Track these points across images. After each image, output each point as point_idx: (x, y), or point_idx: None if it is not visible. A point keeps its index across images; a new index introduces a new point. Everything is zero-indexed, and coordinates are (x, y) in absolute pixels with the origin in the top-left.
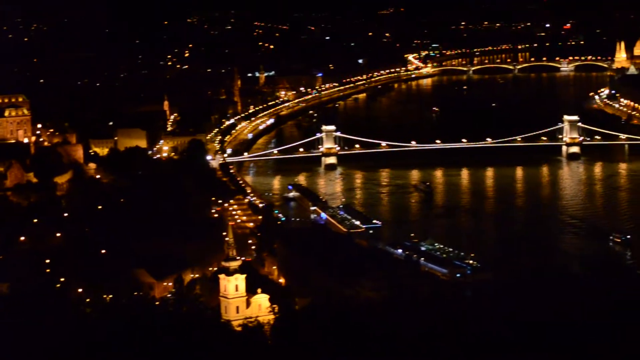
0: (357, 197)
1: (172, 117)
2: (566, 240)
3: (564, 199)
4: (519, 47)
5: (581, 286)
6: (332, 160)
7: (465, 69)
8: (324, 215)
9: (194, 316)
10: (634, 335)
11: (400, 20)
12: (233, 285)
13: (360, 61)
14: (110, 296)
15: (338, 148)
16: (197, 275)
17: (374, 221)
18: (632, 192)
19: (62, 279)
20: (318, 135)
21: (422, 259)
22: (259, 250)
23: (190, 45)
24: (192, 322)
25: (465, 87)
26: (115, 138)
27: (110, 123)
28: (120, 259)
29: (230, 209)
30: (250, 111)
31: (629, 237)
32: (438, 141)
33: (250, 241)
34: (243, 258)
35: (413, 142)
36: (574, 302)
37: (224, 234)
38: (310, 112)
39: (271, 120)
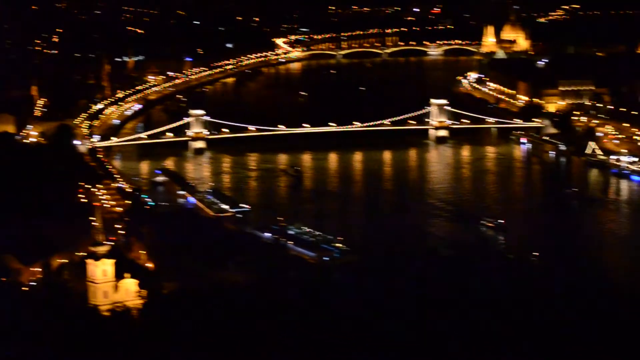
0: (226, 182)
1: (40, 102)
2: (435, 224)
3: (432, 182)
4: (388, 31)
5: (450, 269)
6: (200, 144)
7: (333, 53)
8: (192, 199)
9: (60, 301)
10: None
11: (269, 4)
12: (101, 270)
13: (229, 45)
14: None
15: (206, 132)
16: (65, 261)
17: (242, 205)
18: (500, 176)
19: None
20: (186, 119)
21: (290, 242)
22: (128, 235)
23: (59, 30)
24: (57, 307)
25: (333, 71)
26: None
27: None
28: None
29: (98, 193)
30: (118, 96)
31: (501, 221)
32: (306, 125)
33: (118, 226)
34: (111, 243)
35: (281, 126)
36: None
37: (92, 218)
38: (179, 96)
39: (139, 105)
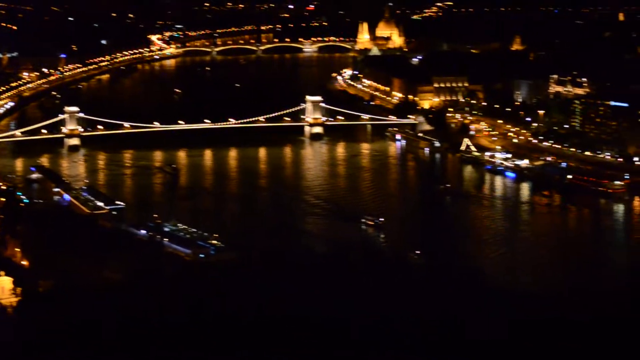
0: (101, 179)
1: None
2: (311, 222)
3: (307, 179)
4: (263, 28)
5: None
6: (75, 141)
7: (208, 49)
8: (67, 196)
9: None
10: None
11: (144, 0)
12: None
13: (103, 42)
14: None
15: (81, 129)
16: None
17: (117, 202)
18: (375, 173)
19: None
20: (61, 116)
21: (166, 239)
22: (2, 233)
23: None
24: None
25: (208, 68)
26: None
27: None
28: None
29: None
30: None
31: (380, 219)
32: (181, 122)
33: None
34: None
35: (156, 123)
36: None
37: None
38: (53, 93)
39: (13, 102)
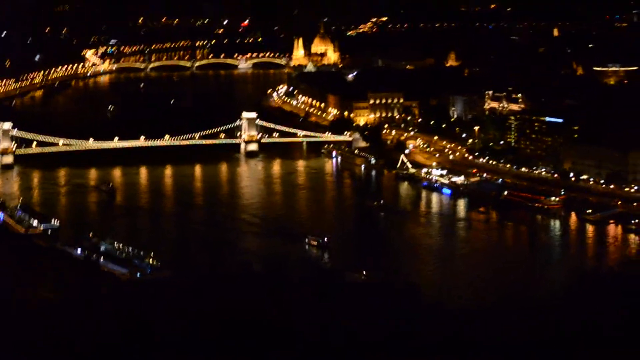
0: (35, 197)
1: None
2: (247, 240)
3: (244, 197)
4: (198, 44)
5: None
6: (8, 159)
7: (142, 66)
8: (1, 215)
9: None
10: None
11: (79, 15)
12: None
13: (37, 58)
14: None
15: (15, 146)
16: None
17: (53, 221)
18: (312, 190)
19: None
20: None
21: (102, 258)
22: None
23: None
24: None
25: (142, 85)
26: None
27: None
28: None
29: None
30: None
31: (325, 239)
32: (117, 138)
33: None
34: None
35: (91, 140)
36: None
37: None
38: None
39: None
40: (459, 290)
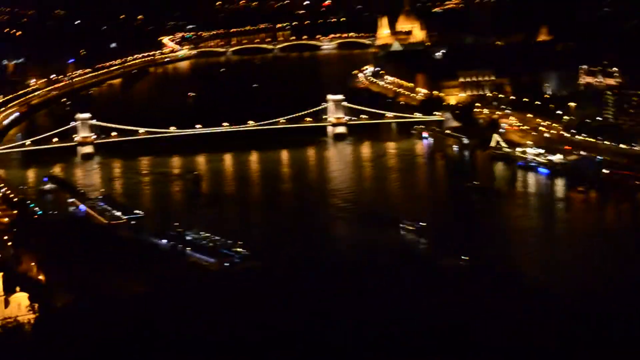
0: (118, 188)
1: None
2: (338, 227)
3: (333, 182)
4: (279, 25)
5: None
6: (88, 149)
7: (223, 50)
8: (83, 207)
9: None
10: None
11: (153, 1)
12: None
13: (113, 45)
14: None
15: (94, 136)
16: None
17: (136, 211)
18: (404, 173)
19: None
20: (72, 123)
21: (189, 248)
22: (16, 247)
23: None
24: None
25: (223, 69)
26: None
27: None
28: None
29: None
30: None
31: (422, 224)
32: (199, 126)
33: (5, 237)
34: None
35: (173, 128)
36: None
37: None
38: (63, 100)
39: (22, 110)
40: (560, 273)
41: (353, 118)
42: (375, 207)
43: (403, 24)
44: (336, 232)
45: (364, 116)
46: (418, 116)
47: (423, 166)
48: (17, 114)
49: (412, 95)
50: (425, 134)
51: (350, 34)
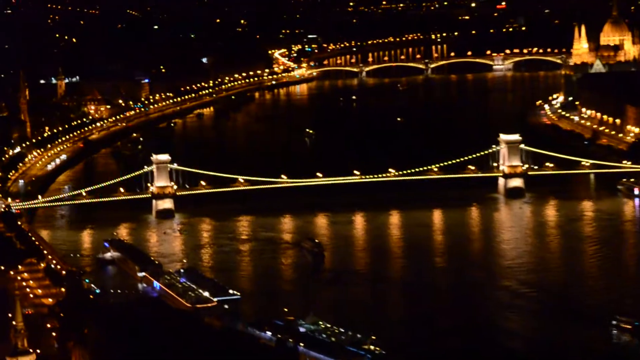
0: (205, 258)
1: None
2: (512, 319)
3: (505, 256)
4: (433, 37)
5: None
6: (167, 204)
7: (355, 69)
8: (157, 284)
9: None
10: None
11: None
12: None
13: (204, 60)
14: None
15: (175, 186)
16: None
17: (231, 292)
18: (606, 246)
19: None
20: (146, 168)
21: (302, 344)
22: (63, 339)
23: None
24: None
25: (354, 97)
26: None
27: None
28: None
29: (19, 278)
30: (45, 134)
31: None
32: (319, 174)
33: (49, 325)
34: (39, 351)
35: (283, 177)
36: None
37: (10, 315)
38: (134, 135)
39: (75, 148)
40: None
41: (534, 167)
42: (567, 292)
43: (609, 36)
44: (509, 326)
45: (549, 164)
46: (627, 165)
47: (634, 236)
48: (76, 148)
49: (618, 135)
50: (637, 190)
51: (533, 50)
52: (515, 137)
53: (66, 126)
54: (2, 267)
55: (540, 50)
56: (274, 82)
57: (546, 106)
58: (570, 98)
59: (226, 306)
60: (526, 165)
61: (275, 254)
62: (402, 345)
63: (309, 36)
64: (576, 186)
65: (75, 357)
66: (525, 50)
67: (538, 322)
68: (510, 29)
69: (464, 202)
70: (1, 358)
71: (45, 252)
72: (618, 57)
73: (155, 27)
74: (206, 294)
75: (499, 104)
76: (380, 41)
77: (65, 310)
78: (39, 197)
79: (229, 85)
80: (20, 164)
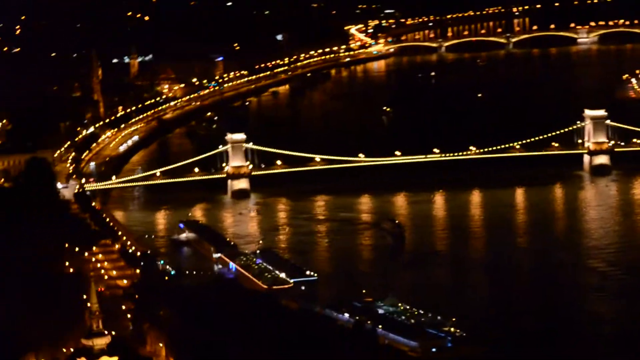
0: (282, 239)
1: None
2: (599, 303)
3: (591, 236)
4: (515, 10)
5: None
6: (242, 184)
7: (434, 45)
8: (233, 265)
9: None
10: None
11: None
12: None
13: (279, 37)
14: None
15: (251, 166)
16: None
17: (308, 273)
18: None
19: None
20: (221, 148)
21: (380, 326)
22: (138, 321)
23: (23, 17)
24: None
25: (433, 73)
26: None
27: None
28: None
29: (93, 259)
30: (118, 114)
31: None
32: (398, 153)
33: (124, 307)
34: (114, 332)
35: (361, 155)
36: None
37: (84, 297)
38: (209, 114)
39: (150, 128)
40: None
41: (620, 143)
42: None
43: None
44: (596, 310)
45: (636, 141)
46: None
47: None
48: (150, 127)
49: None
50: None
51: (619, 22)
52: (601, 112)
53: (140, 106)
54: (77, 249)
55: (627, 23)
56: (350, 59)
57: (633, 80)
58: None
59: (303, 288)
60: (612, 142)
61: (353, 234)
62: (484, 328)
63: (386, 11)
64: None
65: (151, 338)
66: (611, 23)
67: (627, 305)
68: (595, 0)
69: (548, 181)
70: (77, 340)
71: (119, 233)
72: None
73: (229, 3)
74: (283, 275)
75: (583, 79)
76: (460, 15)
77: (140, 292)
78: (113, 177)
79: (304, 62)
80: (94, 145)
